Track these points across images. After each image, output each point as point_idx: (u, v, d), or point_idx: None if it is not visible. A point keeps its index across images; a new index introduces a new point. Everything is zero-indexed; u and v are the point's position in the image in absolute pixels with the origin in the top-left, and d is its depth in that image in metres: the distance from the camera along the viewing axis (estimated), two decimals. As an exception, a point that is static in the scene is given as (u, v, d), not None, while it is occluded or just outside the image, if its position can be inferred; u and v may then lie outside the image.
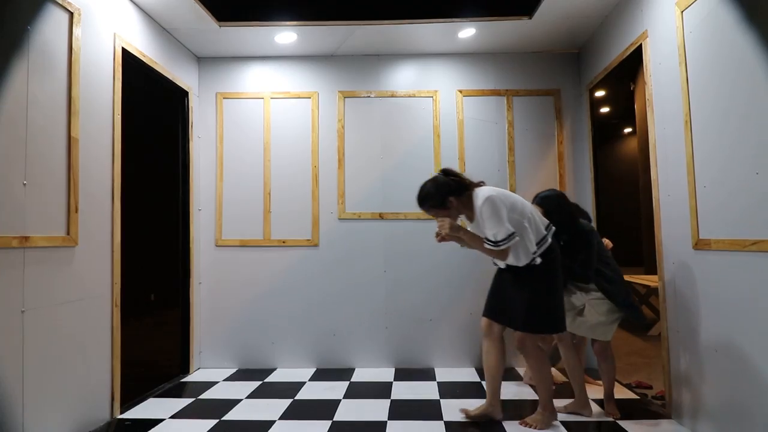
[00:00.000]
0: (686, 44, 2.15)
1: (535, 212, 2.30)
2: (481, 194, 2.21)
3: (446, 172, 2.31)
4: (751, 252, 1.76)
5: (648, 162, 2.58)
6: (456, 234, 2.24)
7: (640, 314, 2.44)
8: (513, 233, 2.15)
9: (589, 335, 2.46)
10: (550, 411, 2.33)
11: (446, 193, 2.25)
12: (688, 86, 2.14)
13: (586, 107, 3.43)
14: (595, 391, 2.73)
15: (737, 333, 1.86)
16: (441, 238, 2.28)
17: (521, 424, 2.34)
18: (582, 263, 2.41)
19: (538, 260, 2.22)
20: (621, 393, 2.74)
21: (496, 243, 2.15)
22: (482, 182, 2.33)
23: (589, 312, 2.43)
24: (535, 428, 2.29)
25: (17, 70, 1.89)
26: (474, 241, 2.24)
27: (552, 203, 2.47)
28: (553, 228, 2.32)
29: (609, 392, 2.48)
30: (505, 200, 2.21)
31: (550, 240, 2.26)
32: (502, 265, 2.36)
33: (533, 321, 2.26)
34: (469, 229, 2.31)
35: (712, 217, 2.01)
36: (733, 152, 1.86)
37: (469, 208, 2.27)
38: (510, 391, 2.82)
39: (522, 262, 2.24)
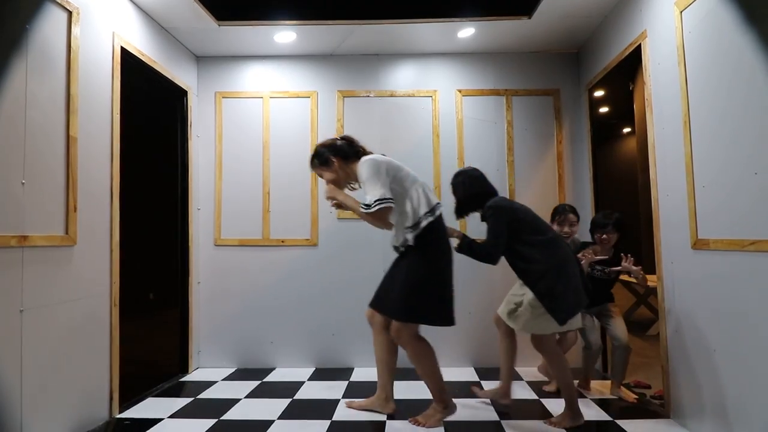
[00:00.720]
0: (685, 44, 2.15)
1: (426, 192, 2.26)
2: (365, 157, 2.23)
3: (343, 137, 2.39)
4: (750, 252, 1.76)
5: (647, 162, 2.58)
6: (333, 195, 2.29)
7: (558, 314, 2.11)
8: (387, 198, 2.11)
9: (519, 329, 2.28)
10: (444, 406, 2.25)
11: (331, 153, 2.31)
12: (687, 86, 2.14)
13: (585, 107, 3.43)
14: (595, 393, 2.73)
15: (735, 333, 1.86)
16: (334, 203, 2.32)
17: (411, 422, 2.27)
18: (486, 241, 2.24)
19: (410, 235, 2.18)
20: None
21: (368, 205, 2.11)
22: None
23: (525, 304, 2.24)
24: (425, 426, 2.21)
25: (16, 69, 1.89)
26: (352, 206, 2.24)
27: (456, 179, 2.47)
28: (439, 210, 2.25)
29: (565, 398, 2.24)
30: (390, 168, 2.19)
31: (430, 220, 2.19)
32: (390, 244, 2.36)
33: (406, 308, 2.16)
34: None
35: (710, 217, 2.01)
36: (732, 152, 1.86)
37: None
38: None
39: (399, 239, 2.22)
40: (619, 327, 2.67)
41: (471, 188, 2.39)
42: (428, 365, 2.24)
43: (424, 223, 2.17)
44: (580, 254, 2.66)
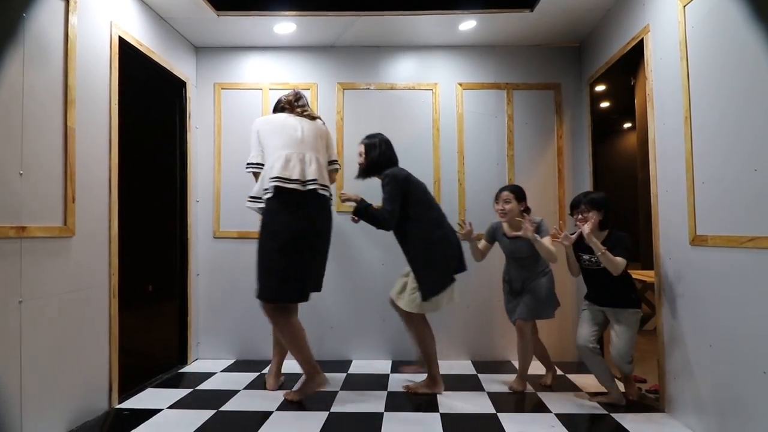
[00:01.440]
0: (688, 39, 2.14)
1: (284, 164, 2.26)
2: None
3: (293, 93, 2.57)
4: (748, 249, 1.77)
5: (647, 157, 2.57)
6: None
7: (423, 289, 2.43)
8: (253, 163, 2.29)
9: (403, 306, 2.55)
10: (311, 378, 2.42)
11: (274, 111, 2.52)
12: (689, 82, 2.14)
13: (586, 102, 3.41)
14: (590, 387, 2.75)
15: (732, 328, 1.88)
16: None
17: (285, 396, 2.52)
18: (382, 207, 2.43)
19: (260, 203, 2.32)
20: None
21: (247, 165, 2.34)
22: (317, 118, 2.53)
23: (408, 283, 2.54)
24: (290, 398, 2.47)
25: (12, 58, 1.87)
26: None
27: (372, 140, 2.61)
28: (273, 183, 2.24)
29: (430, 372, 2.58)
30: (264, 132, 2.32)
31: (269, 195, 2.26)
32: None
33: (258, 285, 2.30)
34: None
35: (709, 214, 2.01)
36: (732, 149, 1.86)
37: None
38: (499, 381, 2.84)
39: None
40: (622, 349, 2.35)
41: (385, 153, 2.56)
42: (288, 340, 2.36)
43: (265, 196, 2.27)
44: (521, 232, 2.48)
